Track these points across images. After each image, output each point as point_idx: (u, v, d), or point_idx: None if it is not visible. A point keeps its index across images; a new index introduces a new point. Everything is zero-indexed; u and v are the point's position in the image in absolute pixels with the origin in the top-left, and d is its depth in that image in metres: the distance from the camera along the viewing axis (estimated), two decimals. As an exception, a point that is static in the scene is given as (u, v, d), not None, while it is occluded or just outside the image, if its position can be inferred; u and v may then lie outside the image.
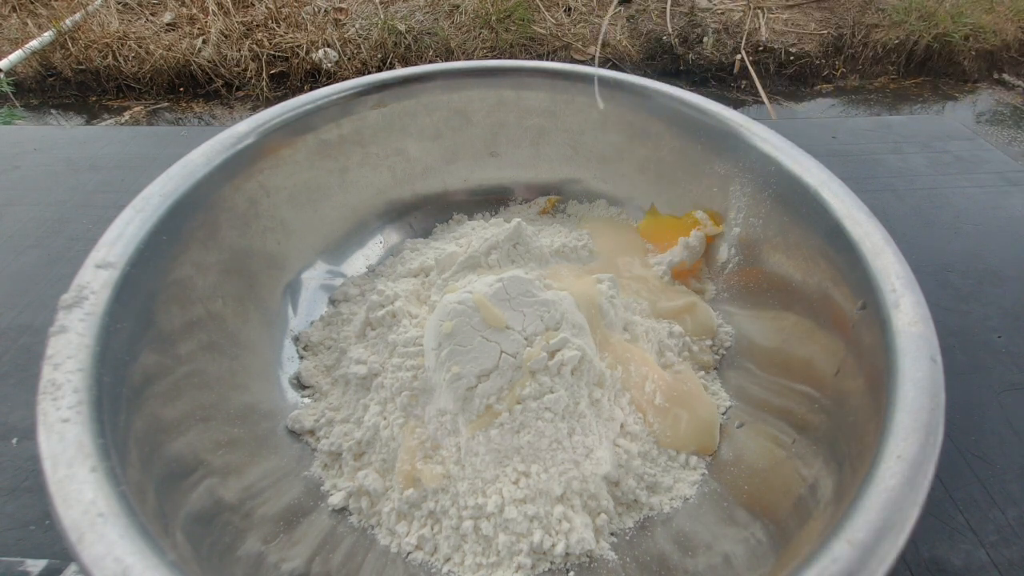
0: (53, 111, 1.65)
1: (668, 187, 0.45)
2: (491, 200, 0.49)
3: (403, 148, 0.46)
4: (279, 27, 1.76)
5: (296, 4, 1.84)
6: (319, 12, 1.82)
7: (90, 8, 1.79)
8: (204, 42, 1.72)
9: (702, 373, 0.38)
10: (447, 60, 1.63)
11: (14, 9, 1.83)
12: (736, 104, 1.67)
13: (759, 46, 1.81)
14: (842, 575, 0.19)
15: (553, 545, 0.29)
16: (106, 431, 0.23)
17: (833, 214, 0.32)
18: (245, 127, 0.38)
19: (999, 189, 0.57)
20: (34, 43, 1.67)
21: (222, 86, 1.69)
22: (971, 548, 0.32)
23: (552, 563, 0.29)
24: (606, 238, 0.45)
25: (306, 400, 0.36)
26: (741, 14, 1.88)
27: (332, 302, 0.42)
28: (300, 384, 0.37)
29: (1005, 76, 1.81)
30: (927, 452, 0.22)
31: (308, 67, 1.70)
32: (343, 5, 1.88)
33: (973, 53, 1.81)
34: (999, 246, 0.51)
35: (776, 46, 1.81)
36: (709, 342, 0.39)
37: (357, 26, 1.76)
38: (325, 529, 0.30)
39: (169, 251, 0.31)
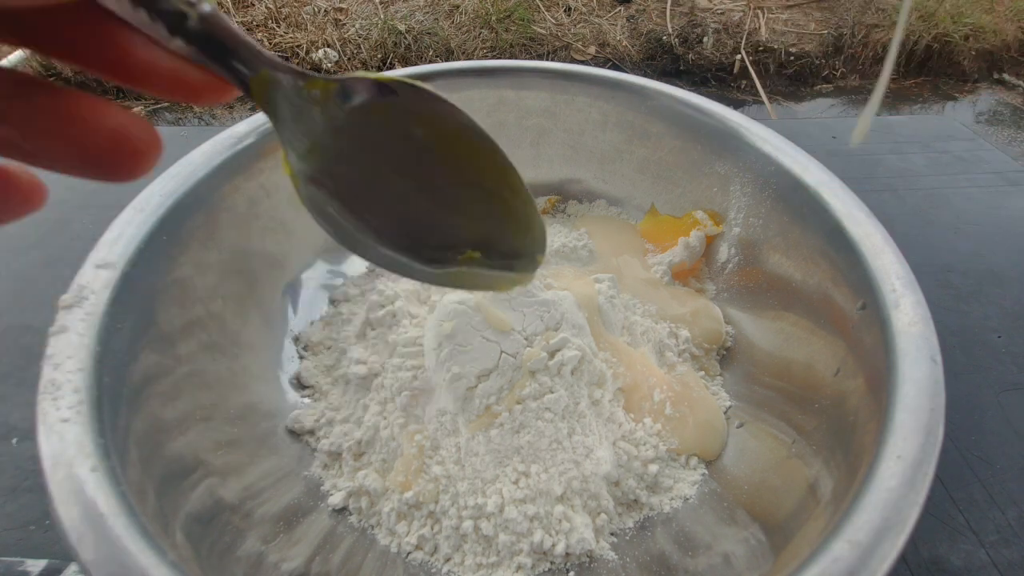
0: (53, 111, 1.65)
1: (668, 187, 0.45)
2: (491, 200, 0.49)
3: (403, 148, 0.46)
4: (279, 27, 1.76)
5: (296, 4, 1.84)
6: (319, 12, 1.82)
7: (90, 8, 1.79)
8: (204, 42, 1.72)
9: (702, 374, 0.38)
10: (447, 60, 1.63)
11: (14, 9, 1.83)
12: (736, 104, 1.67)
13: (759, 46, 1.81)
14: (842, 575, 0.19)
15: (553, 545, 0.29)
16: (106, 431, 0.23)
17: (833, 214, 0.32)
18: (245, 127, 0.38)
19: (999, 189, 0.57)
20: (34, 43, 1.67)
21: (222, 86, 1.69)
22: (971, 548, 0.32)
23: (552, 563, 0.29)
24: (606, 238, 0.45)
25: (306, 400, 0.36)
26: (741, 14, 1.88)
27: (332, 302, 0.42)
28: (300, 384, 0.37)
29: (1005, 76, 1.81)
30: (927, 452, 0.22)
31: (308, 67, 1.70)
32: (343, 5, 1.88)
33: (973, 53, 1.81)
34: (999, 246, 0.51)
35: (776, 46, 1.81)
36: (714, 349, 0.39)
37: (357, 26, 1.76)
38: (325, 529, 0.30)
39: (169, 251, 0.31)
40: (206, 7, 0.12)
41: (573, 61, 1.67)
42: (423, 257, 0.19)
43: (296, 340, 0.39)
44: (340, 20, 1.82)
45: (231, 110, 1.66)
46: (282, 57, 1.72)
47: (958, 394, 0.39)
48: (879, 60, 1.82)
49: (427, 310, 0.37)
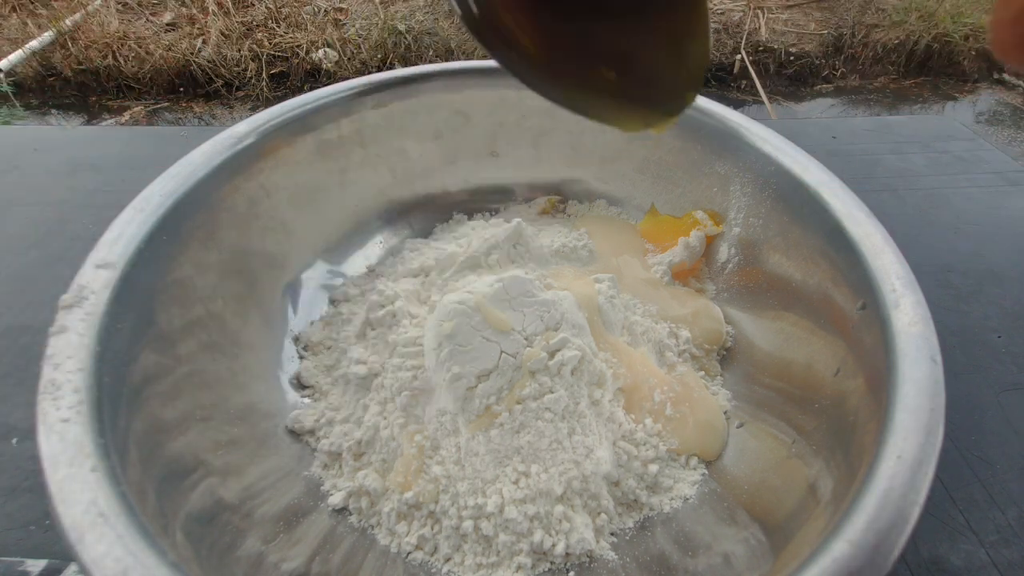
0: (53, 111, 1.65)
1: (668, 187, 0.45)
2: (491, 200, 0.49)
3: (403, 148, 0.46)
4: (279, 27, 1.76)
5: (296, 4, 1.84)
6: (319, 12, 1.82)
7: (90, 8, 1.79)
8: (204, 42, 1.72)
9: (702, 374, 0.38)
10: (447, 60, 1.63)
11: (14, 9, 1.83)
12: (736, 104, 1.67)
13: (759, 46, 1.81)
14: (842, 575, 0.19)
15: (553, 545, 0.29)
16: (106, 431, 0.23)
17: (833, 214, 0.32)
18: (245, 127, 0.38)
19: (999, 189, 0.57)
20: (34, 43, 1.67)
21: (222, 86, 1.69)
22: (971, 548, 0.32)
23: (552, 563, 0.29)
24: (606, 238, 0.45)
25: (306, 400, 0.36)
26: (741, 14, 1.88)
27: (332, 302, 0.42)
28: (300, 384, 0.37)
29: (1005, 76, 1.81)
30: (927, 452, 0.22)
31: (308, 67, 1.70)
32: (343, 5, 1.88)
33: (973, 53, 1.81)
34: (999, 246, 0.51)
35: (776, 46, 1.81)
36: (715, 350, 0.39)
37: (357, 26, 1.76)
38: (325, 529, 0.30)
39: (169, 251, 0.31)
40: None
41: (573, 61, 1.67)
42: (549, 63, 0.15)
43: (296, 340, 0.39)
44: (340, 20, 1.82)
45: (231, 110, 1.66)
46: (282, 57, 1.71)
47: (958, 394, 0.39)
48: (879, 60, 1.82)
49: (427, 310, 0.37)
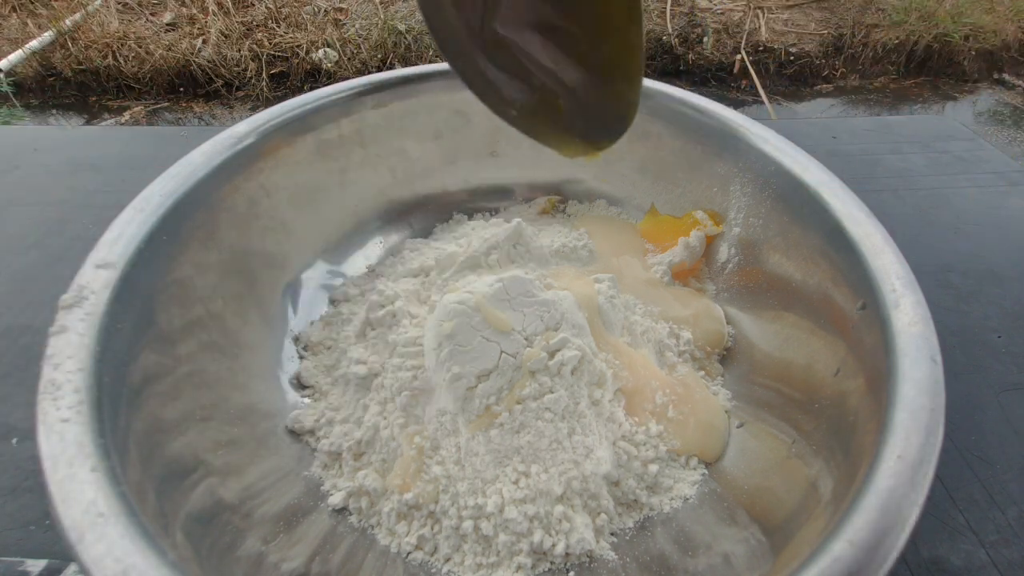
0: (53, 111, 1.65)
1: (668, 187, 0.45)
2: (491, 200, 0.49)
3: (403, 148, 0.46)
4: (279, 27, 1.76)
5: (296, 4, 1.84)
6: (319, 12, 1.82)
7: (90, 8, 1.79)
8: (204, 42, 1.72)
9: (702, 374, 0.38)
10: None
11: (14, 9, 1.83)
12: (736, 104, 1.67)
13: (759, 46, 1.81)
14: (842, 575, 0.19)
15: (553, 545, 0.29)
16: (106, 431, 0.23)
17: (833, 214, 0.32)
18: (245, 127, 0.38)
19: (999, 189, 0.57)
20: (34, 43, 1.67)
21: (222, 86, 1.69)
22: (971, 548, 0.32)
23: (552, 563, 0.29)
24: (606, 238, 0.45)
25: (306, 400, 0.36)
26: (741, 14, 1.88)
27: (332, 302, 0.42)
28: (300, 384, 0.37)
29: (1005, 76, 1.81)
30: (927, 452, 0.22)
31: (308, 67, 1.70)
32: (343, 5, 1.88)
33: (973, 53, 1.81)
34: (999, 246, 0.51)
35: (776, 46, 1.81)
36: (716, 352, 0.39)
37: (357, 26, 1.76)
38: (325, 529, 0.30)
39: (169, 251, 0.31)
40: None
41: (573, 61, 1.66)
42: (508, 83, 0.17)
43: (296, 340, 0.39)
44: (340, 20, 1.82)
45: (231, 110, 1.66)
46: (282, 57, 1.72)
47: (958, 394, 0.39)
48: (879, 60, 1.82)
49: (427, 310, 0.37)
